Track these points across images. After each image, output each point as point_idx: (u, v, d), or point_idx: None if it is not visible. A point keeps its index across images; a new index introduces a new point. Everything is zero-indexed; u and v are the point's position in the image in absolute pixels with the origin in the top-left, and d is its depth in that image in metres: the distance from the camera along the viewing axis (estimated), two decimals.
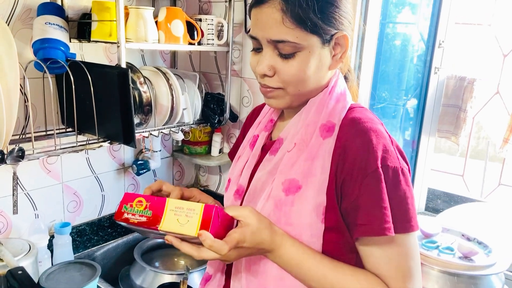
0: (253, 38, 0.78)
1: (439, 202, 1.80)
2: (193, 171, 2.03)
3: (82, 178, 1.58)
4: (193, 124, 1.61)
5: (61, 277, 1.34)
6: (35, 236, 1.39)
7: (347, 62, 0.85)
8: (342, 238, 0.76)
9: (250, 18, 0.79)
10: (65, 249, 1.48)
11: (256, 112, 1.02)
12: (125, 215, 0.74)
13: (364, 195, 0.71)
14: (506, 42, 1.65)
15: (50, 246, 1.45)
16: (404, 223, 0.72)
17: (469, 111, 1.56)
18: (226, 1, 1.68)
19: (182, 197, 0.84)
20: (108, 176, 1.66)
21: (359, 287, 0.74)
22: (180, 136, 1.60)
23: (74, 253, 1.53)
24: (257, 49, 0.79)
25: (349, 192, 0.73)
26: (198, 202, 0.80)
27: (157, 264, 1.73)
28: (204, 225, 0.69)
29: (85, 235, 1.62)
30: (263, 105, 1.00)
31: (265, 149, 0.88)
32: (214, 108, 1.65)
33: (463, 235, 1.17)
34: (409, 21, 1.72)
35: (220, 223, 0.71)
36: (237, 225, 0.76)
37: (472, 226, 1.27)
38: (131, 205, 0.74)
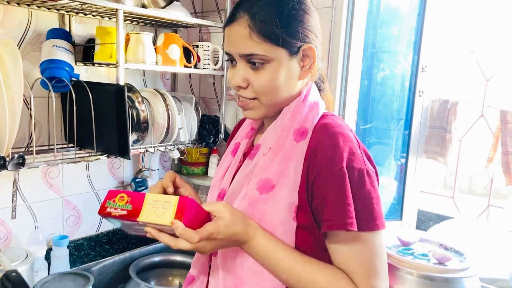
0: (227, 54, 0.87)
1: (430, 224, 1.82)
2: None
3: (82, 194, 1.65)
4: (189, 143, 1.69)
5: (55, 286, 1.39)
6: (33, 246, 1.45)
7: (315, 72, 0.92)
8: (314, 236, 0.81)
9: (224, 37, 0.89)
10: (62, 261, 1.53)
11: (241, 124, 1.09)
12: (108, 209, 0.80)
13: (330, 193, 0.76)
14: (488, 67, 1.72)
15: (48, 258, 1.50)
16: (369, 222, 0.76)
17: (454, 132, 1.62)
18: (223, 31, 1.80)
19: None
20: None
21: (325, 280, 0.78)
22: (176, 154, 1.68)
23: (71, 267, 1.57)
24: (232, 64, 0.87)
25: (318, 191, 0.78)
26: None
27: (152, 283, 1.76)
28: (178, 215, 0.74)
29: (83, 250, 1.68)
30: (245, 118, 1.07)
31: (246, 156, 0.95)
32: (209, 129, 1.73)
33: (441, 245, 1.20)
34: (395, 49, 1.81)
35: (194, 215, 0.76)
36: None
37: (453, 239, 1.29)
38: (114, 200, 0.80)
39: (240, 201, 0.86)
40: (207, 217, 0.80)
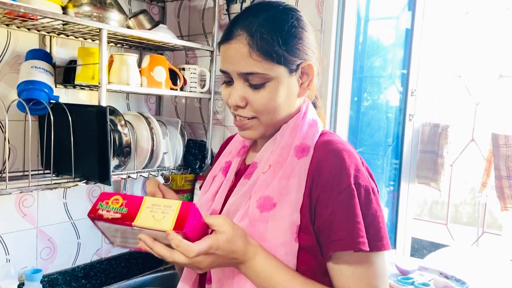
0: (223, 72, 0.82)
1: (425, 252, 1.76)
2: None
3: (58, 224, 1.55)
4: (174, 169, 1.61)
5: None
6: (4, 281, 1.35)
7: (314, 89, 0.89)
8: (316, 259, 0.76)
9: (220, 54, 0.84)
10: None
11: (229, 141, 1.04)
12: (100, 212, 0.72)
13: (338, 211, 0.72)
14: (477, 92, 1.73)
15: None
16: (376, 242, 0.72)
17: (446, 156, 1.59)
18: (210, 56, 1.77)
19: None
20: (86, 223, 1.63)
21: None
22: (160, 181, 1.60)
23: None
24: (228, 82, 0.83)
25: (323, 209, 0.74)
26: None
27: None
28: (180, 221, 0.67)
29: (57, 285, 1.56)
30: (235, 135, 1.02)
31: (239, 175, 0.89)
32: (195, 154, 1.67)
33: (441, 273, 1.14)
34: (383, 74, 1.81)
35: (196, 224, 0.70)
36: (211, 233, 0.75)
37: (452, 267, 1.24)
38: (107, 203, 0.73)
39: (238, 221, 0.80)
40: (206, 230, 0.73)
